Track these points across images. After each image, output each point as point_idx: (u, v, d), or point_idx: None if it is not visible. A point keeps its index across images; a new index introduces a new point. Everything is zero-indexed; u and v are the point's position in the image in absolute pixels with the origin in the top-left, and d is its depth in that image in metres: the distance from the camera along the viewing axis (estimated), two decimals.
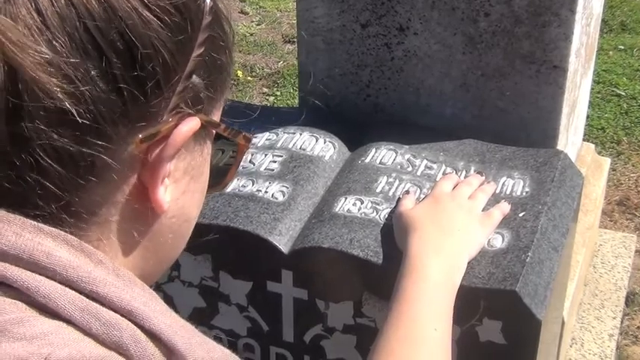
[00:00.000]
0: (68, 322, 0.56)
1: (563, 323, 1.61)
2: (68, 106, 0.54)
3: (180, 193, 0.65)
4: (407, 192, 1.32)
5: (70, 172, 0.56)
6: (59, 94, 0.54)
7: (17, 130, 0.54)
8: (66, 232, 0.58)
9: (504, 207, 1.27)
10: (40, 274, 0.56)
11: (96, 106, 0.55)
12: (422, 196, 1.33)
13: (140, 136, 0.59)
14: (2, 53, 0.52)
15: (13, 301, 0.55)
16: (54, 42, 0.53)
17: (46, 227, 0.57)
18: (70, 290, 0.56)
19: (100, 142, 0.57)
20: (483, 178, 1.34)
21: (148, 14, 0.57)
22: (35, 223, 0.57)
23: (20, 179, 0.56)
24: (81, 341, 0.55)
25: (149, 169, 0.61)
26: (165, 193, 0.63)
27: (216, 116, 0.67)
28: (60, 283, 0.56)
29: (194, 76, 0.62)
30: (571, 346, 1.94)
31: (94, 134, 0.56)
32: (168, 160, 0.61)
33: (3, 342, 0.53)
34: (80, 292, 0.57)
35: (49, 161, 0.55)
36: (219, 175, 0.73)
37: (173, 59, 0.59)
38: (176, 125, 0.61)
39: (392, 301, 1.06)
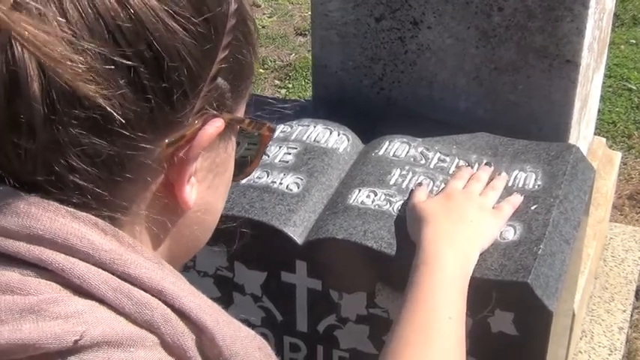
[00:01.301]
0: (101, 301, 0.58)
1: (573, 316, 1.63)
2: (100, 114, 0.56)
3: (205, 188, 0.67)
4: (419, 184, 1.34)
5: (103, 173, 0.59)
6: (92, 102, 0.56)
7: (54, 137, 0.56)
8: (98, 217, 0.61)
9: (515, 200, 1.29)
10: (73, 257, 0.58)
11: (125, 113, 0.57)
12: (435, 188, 1.34)
13: (166, 140, 0.61)
14: (40, 65, 0.54)
15: (48, 282, 0.57)
16: (84, 53, 0.55)
17: (79, 212, 0.59)
18: (103, 271, 0.58)
19: (130, 146, 0.59)
20: (492, 168, 1.35)
21: (174, 24, 0.58)
22: (69, 208, 0.59)
23: (58, 181, 0.58)
24: (114, 319, 0.58)
25: (176, 169, 0.63)
26: (192, 191, 0.65)
27: (240, 111, 0.69)
28: (93, 264, 0.58)
29: (219, 79, 0.63)
30: (581, 339, 1.95)
31: (125, 138, 0.58)
32: (193, 160, 0.63)
33: (39, 320, 0.55)
34: (112, 274, 0.59)
35: (83, 165, 0.58)
36: (242, 166, 0.74)
37: (198, 66, 0.60)
38: (201, 127, 0.62)
39: (407, 290, 1.08)
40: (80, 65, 0.55)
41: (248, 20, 0.67)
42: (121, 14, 0.56)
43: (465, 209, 1.21)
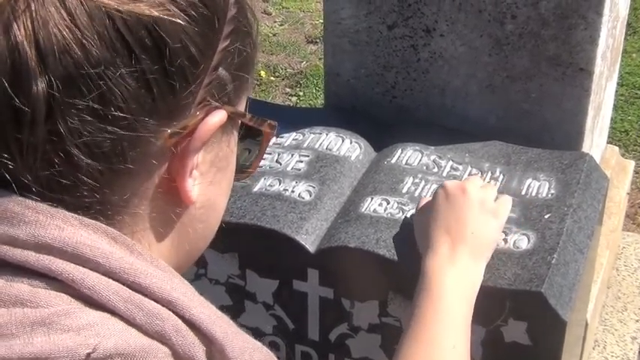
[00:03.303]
0: (112, 312, 0.57)
1: (586, 325, 1.61)
2: (99, 104, 0.56)
3: (208, 184, 0.66)
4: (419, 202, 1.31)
5: (104, 166, 0.58)
6: (91, 92, 0.55)
7: (54, 128, 0.56)
8: (105, 224, 0.60)
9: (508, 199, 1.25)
10: (83, 267, 0.57)
11: (126, 102, 0.56)
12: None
13: (169, 131, 0.60)
14: (39, 53, 0.54)
15: (58, 293, 0.57)
16: (83, 41, 0.55)
17: (87, 220, 0.59)
18: (113, 281, 0.58)
19: (132, 136, 0.58)
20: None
21: (175, 9, 0.57)
22: (77, 215, 0.58)
23: (59, 175, 0.57)
24: (126, 331, 0.57)
25: (177, 161, 0.62)
26: (194, 185, 0.64)
27: (241, 106, 0.68)
28: (103, 274, 0.58)
29: (220, 69, 0.62)
30: (594, 349, 1.93)
31: (125, 129, 0.57)
32: (195, 152, 0.62)
33: (51, 333, 0.54)
34: (123, 283, 0.58)
35: (84, 157, 0.57)
36: (243, 165, 0.73)
37: (200, 53, 0.59)
38: (203, 118, 0.62)
39: (409, 320, 1.05)
40: (76, 54, 0.55)
41: (248, 12, 0.66)
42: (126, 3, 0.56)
43: (465, 214, 1.15)
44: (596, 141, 1.74)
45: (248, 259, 1.35)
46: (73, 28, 0.55)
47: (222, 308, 1.42)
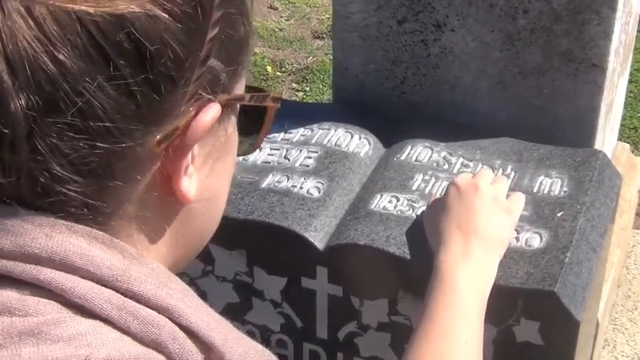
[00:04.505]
0: (105, 321, 0.54)
1: (597, 325, 1.60)
2: (80, 120, 0.52)
3: (206, 176, 0.63)
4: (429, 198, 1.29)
5: (91, 180, 0.55)
6: (69, 109, 0.51)
7: (36, 147, 0.52)
8: (97, 229, 0.57)
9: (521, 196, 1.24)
10: (73, 275, 0.55)
11: (107, 114, 0.53)
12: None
13: (158, 136, 0.56)
14: (11, 68, 0.50)
15: (48, 301, 0.54)
16: (55, 52, 0.50)
17: (77, 226, 0.56)
18: (106, 289, 0.55)
19: (117, 147, 0.54)
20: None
21: (154, 7, 0.53)
22: (66, 222, 0.55)
23: (45, 193, 0.54)
24: (119, 340, 0.54)
25: (170, 162, 0.58)
26: (191, 183, 0.60)
27: (239, 88, 0.64)
28: (95, 282, 0.55)
29: (211, 59, 0.58)
30: (604, 348, 1.92)
31: (110, 143, 0.54)
32: (189, 150, 0.58)
33: (40, 344, 0.52)
34: (116, 291, 0.55)
35: (70, 175, 0.54)
36: (247, 142, 0.70)
37: (185, 49, 0.55)
38: (196, 115, 0.57)
39: (421, 315, 1.04)
40: (49, 68, 0.50)
41: None
42: (94, 3, 0.51)
43: (478, 210, 1.13)
44: (607, 138, 1.72)
45: (256, 256, 1.34)
46: (42, 39, 0.50)
47: (230, 306, 1.42)
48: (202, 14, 0.56)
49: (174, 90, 0.55)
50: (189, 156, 0.59)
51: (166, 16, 0.53)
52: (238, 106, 0.65)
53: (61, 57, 0.50)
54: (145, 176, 0.58)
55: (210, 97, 0.58)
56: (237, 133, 0.66)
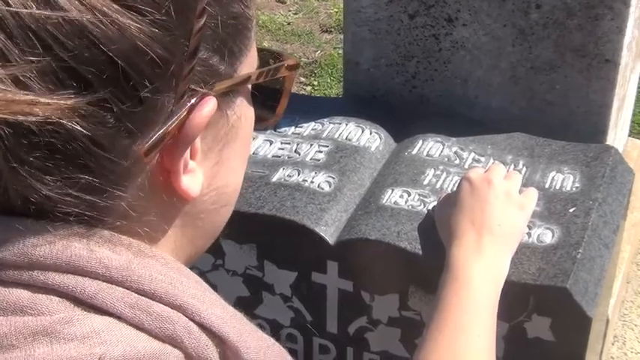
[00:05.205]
0: (119, 318, 0.53)
1: (607, 321, 1.59)
2: (52, 139, 0.49)
3: (212, 166, 0.60)
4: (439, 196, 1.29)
5: (83, 196, 0.53)
6: (40, 149, 0.49)
7: (16, 172, 0.50)
8: (101, 229, 0.55)
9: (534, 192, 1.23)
10: (83, 277, 0.53)
11: (86, 132, 0.50)
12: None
13: (146, 145, 0.53)
14: None
15: (60, 299, 0.53)
16: (21, 78, 0.47)
17: (78, 229, 0.54)
18: (117, 287, 0.54)
19: (103, 164, 0.52)
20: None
21: (119, 17, 0.49)
22: (66, 226, 0.53)
23: (38, 209, 0.53)
24: (135, 336, 0.53)
25: (167, 163, 0.56)
26: (193, 179, 0.58)
27: (247, 66, 0.60)
28: (105, 282, 0.54)
29: (201, 52, 0.54)
30: (613, 344, 1.91)
31: (91, 158, 0.51)
32: (184, 150, 0.55)
33: (54, 343, 0.51)
34: (127, 289, 0.54)
35: (57, 195, 0.52)
36: (268, 111, 0.67)
37: (167, 51, 0.51)
38: (189, 114, 0.54)
39: (434, 309, 1.03)
40: (18, 96, 0.47)
41: None
42: (56, 23, 0.47)
43: (491, 206, 1.12)
44: (619, 134, 1.71)
45: (266, 251, 1.33)
46: (6, 65, 0.47)
47: (240, 300, 1.42)
48: (184, 9, 0.52)
49: (158, 95, 0.52)
50: (187, 154, 0.56)
51: (133, 21, 0.49)
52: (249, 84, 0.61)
53: (26, 82, 0.48)
54: (142, 181, 0.56)
55: (204, 91, 0.55)
56: (251, 110, 0.64)
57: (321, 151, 1.41)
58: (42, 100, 0.48)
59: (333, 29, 4.03)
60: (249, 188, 1.32)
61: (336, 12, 4.09)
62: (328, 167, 1.37)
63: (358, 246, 1.25)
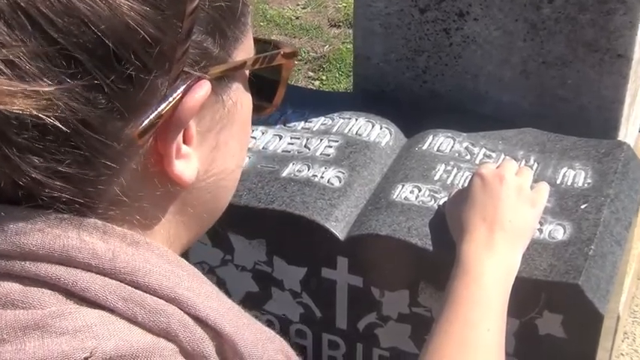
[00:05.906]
0: (112, 311, 0.53)
1: (618, 318, 1.58)
2: (43, 126, 0.49)
3: (210, 151, 0.60)
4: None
5: (73, 182, 0.53)
6: (33, 115, 0.49)
7: (6, 158, 0.50)
8: (95, 219, 0.55)
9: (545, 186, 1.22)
10: (75, 268, 0.53)
11: (76, 114, 0.50)
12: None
13: (139, 129, 0.52)
14: None
15: (52, 292, 0.52)
16: (12, 58, 0.48)
17: (71, 218, 0.53)
18: (110, 279, 0.53)
19: (95, 147, 0.52)
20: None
21: None
22: (58, 215, 0.53)
23: (29, 194, 0.52)
24: (127, 330, 0.52)
25: (160, 147, 0.55)
26: (187, 164, 0.57)
27: (242, 52, 0.59)
28: (98, 274, 0.53)
29: (195, 34, 0.53)
30: (623, 341, 1.90)
31: (82, 140, 0.51)
32: (177, 133, 0.55)
33: (45, 337, 0.50)
34: (121, 282, 0.54)
35: (49, 180, 0.51)
36: (266, 98, 0.67)
37: (159, 31, 0.51)
38: (183, 95, 0.53)
39: (444, 303, 1.03)
40: (5, 82, 0.47)
41: None
42: (48, 2, 0.48)
43: (502, 202, 1.11)
44: (630, 129, 1.70)
45: (276, 246, 1.33)
46: None
47: (249, 295, 1.41)
48: None
49: (150, 76, 0.52)
50: (180, 138, 0.55)
51: (129, 3, 0.49)
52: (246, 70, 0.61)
53: (17, 62, 0.48)
54: (134, 165, 0.55)
55: (198, 74, 0.54)
56: (248, 96, 0.63)
57: (331, 146, 1.41)
58: (29, 88, 0.48)
59: (341, 24, 4.01)
60: (258, 183, 1.31)
61: (345, 6, 4.08)
62: (338, 162, 1.37)
63: (368, 242, 1.24)
